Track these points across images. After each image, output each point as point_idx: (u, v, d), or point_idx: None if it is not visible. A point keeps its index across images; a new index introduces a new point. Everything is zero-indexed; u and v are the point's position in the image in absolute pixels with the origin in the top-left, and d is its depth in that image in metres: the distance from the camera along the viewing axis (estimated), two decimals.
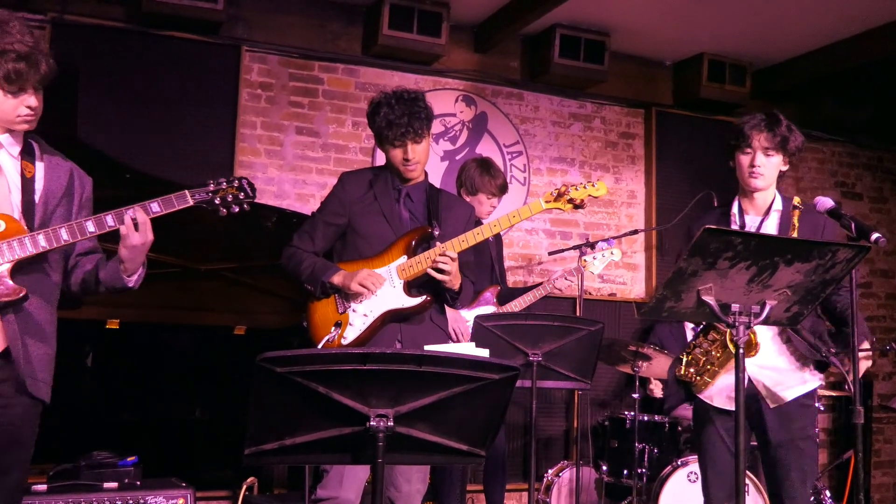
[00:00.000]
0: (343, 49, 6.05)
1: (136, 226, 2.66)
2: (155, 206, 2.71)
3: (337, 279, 3.31)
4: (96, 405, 4.27)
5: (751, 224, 3.35)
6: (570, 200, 3.38)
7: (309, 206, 5.65)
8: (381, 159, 3.51)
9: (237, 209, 2.87)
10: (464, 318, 4.49)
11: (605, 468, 5.23)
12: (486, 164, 4.76)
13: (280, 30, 5.88)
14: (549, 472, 5.39)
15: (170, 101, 5.59)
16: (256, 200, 5.68)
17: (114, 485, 3.70)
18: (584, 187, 3.39)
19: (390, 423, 2.10)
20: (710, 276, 2.53)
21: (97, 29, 5.46)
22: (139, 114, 5.50)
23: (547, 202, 3.39)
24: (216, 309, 4.82)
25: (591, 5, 5.84)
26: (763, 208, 3.37)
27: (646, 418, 5.12)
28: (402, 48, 5.94)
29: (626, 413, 5.24)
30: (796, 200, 3.23)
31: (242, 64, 5.77)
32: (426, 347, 2.41)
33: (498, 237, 5.08)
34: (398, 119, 3.30)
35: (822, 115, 7.28)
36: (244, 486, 4.24)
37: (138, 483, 3.78)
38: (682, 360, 3.44)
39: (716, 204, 5.58)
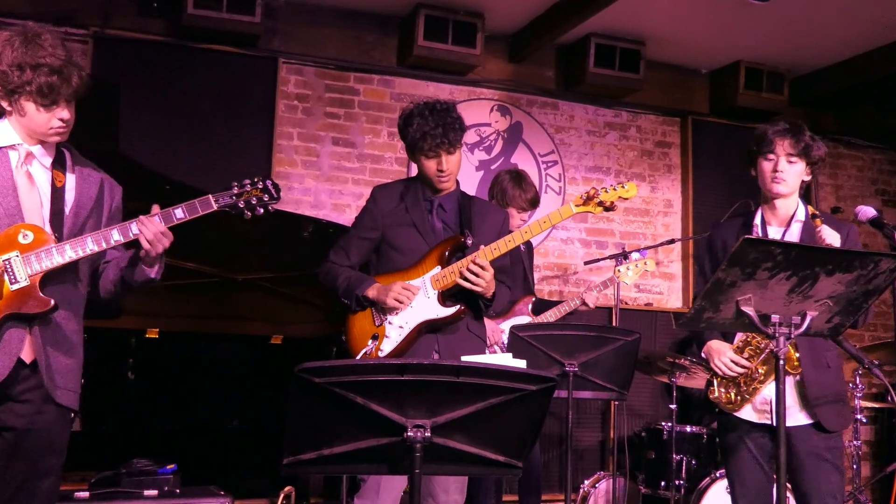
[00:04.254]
0: (378, 60, 6.10)
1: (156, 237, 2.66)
2: (179, 213, 2.70)
3: (371, 293, 3.33)
4: (136, 413, 4.32)
5: (773, 235, 3.28)
6: (601, 203, 3.35)
7: (345, 216, 5.69)
8: (416, 169, 3.53)
9: (262, 211, 2.83)
10: (500, 329, 4.49)
11: (642, 479, 5.18)
12: (518, 177, 4.70)
13: (316, 42, 5.95)
14: (586, 483, 5.35)
15: (208, 112, 5.68)
16: (294, 211, 5.76)
17: (154, 492, 3.74)
18: (614, 189, 3.36)
19: (427, 434, 2.10)
20: (749, 287, 2.51)
21: (138, 43, 5.56)
22: (178, 125, 5.60)
23: (577, 206, 3.37)
24: (253, 318, 4.86)
25: (626, 14, 5.82)
26: (785, 219, 3.30)
27: (684, 429, 5.07)
28: (437, 59, 5.97)
29: (663, 424, 5.19)
30: (811, 209, 3.18)
31: (279, 76, 5.84)
32: (463, 358, 2.41)
33: (529, 247, 5.06)
34: (433, 130, 3.29)
35: (862, 121, 7.18)
36: (281, 495, 4.26)
37: (178, 491, 3.81)
38: (713, 382, 3.34)
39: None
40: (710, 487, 4.70)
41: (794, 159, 3.24)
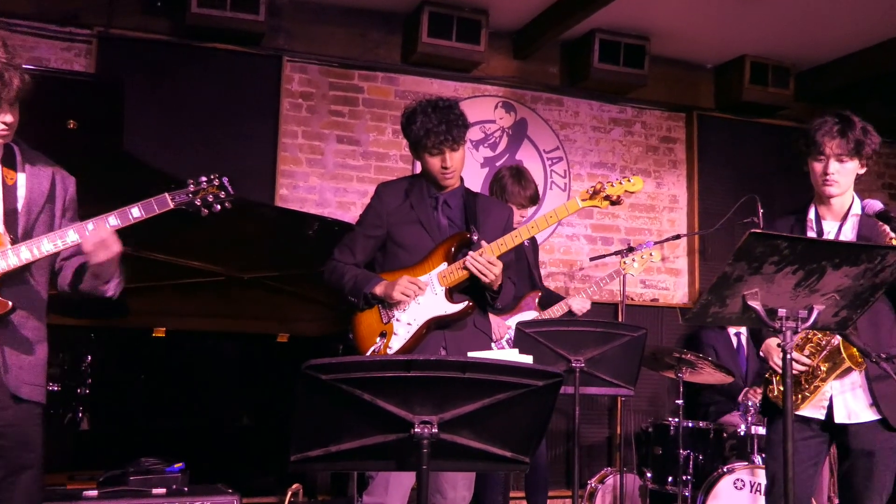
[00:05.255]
0: (383, 57, 6.10)
1: (101, 242, 2.60)
2: (136, 212, 2.69)
3: (379, 289, 3.33)
4: (144, 412, 4.33)
5: (829, 230, 3.22)
6: (607, 197, 3.34)
7: (350, 214, 5.69)
8: (421, 167, 3.52)
9: (219, 207, 2.84)
10: (506, 324, 4.49)
11: (649, 475, 5.18)
12: (518, 174, 4.67)
13: (320, 40, 5.95)
14: (593, 479, 5.36)
15: (213, 111, 5.68)
16: (299, 209, 5.75)
17: (162, 491, 3.75)
18: (620, 183, 3.36)
19: (434, 430, 2.09)
20: (755, 281, 2.51)
21: (142, 42, 5.57)
22: (183, 124, 5.61)
23: (583, 200, 3.37)
24: (259, 317, 4.86)
25: (630, 10, 5.81)
26: (840, 213, 3.23)
27: (690, 424, 5.06)
28: (442, 56, 5.97)
29: (670, 419, 5.19)
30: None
31: (283, 74, 5.85)
32: (469, 354, 2.41)
33: (534, 241, 5.05)
34: (436, 127, 3.29)
35: (868, 116, 7.03)
36: (289, 493, 4.27)
37: (185, 489, 3.81)
38: (772, 380, 3.25)
39: (759, 208, 5.55)
40: (718, 482, 4.69)
41: (845, 159, 3.16)
